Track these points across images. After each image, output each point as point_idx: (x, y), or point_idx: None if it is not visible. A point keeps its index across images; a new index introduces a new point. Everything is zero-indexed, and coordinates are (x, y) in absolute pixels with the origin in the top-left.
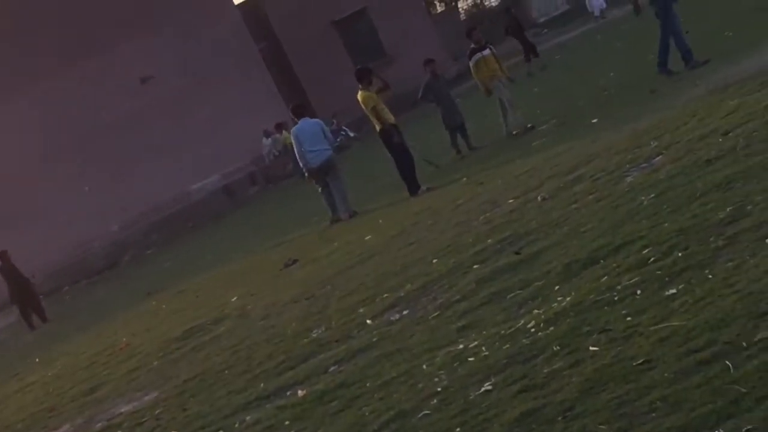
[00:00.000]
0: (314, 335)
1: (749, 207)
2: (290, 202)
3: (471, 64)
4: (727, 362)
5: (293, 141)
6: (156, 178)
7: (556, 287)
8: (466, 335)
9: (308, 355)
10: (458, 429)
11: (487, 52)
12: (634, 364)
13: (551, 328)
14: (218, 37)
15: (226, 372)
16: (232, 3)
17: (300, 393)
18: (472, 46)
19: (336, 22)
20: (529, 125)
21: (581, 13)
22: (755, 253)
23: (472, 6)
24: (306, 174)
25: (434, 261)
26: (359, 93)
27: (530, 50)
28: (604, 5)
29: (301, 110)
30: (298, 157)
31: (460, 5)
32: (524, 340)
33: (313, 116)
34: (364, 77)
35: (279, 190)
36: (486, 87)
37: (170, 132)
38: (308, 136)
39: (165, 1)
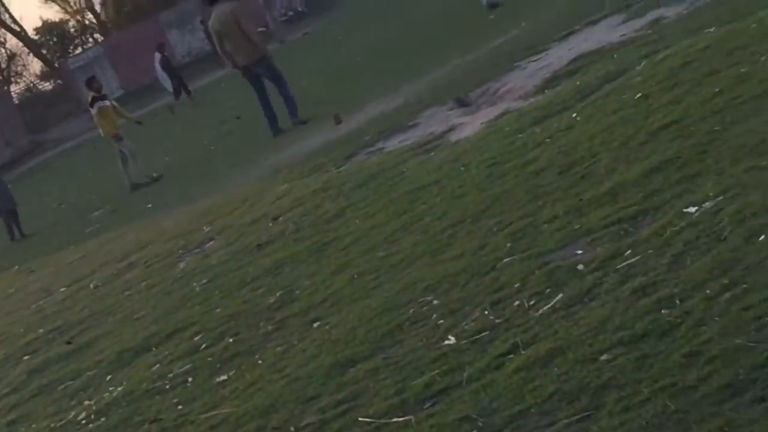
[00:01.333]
0: None
1: (297, 291)
2: None
3: (94, 112)
4: None
5: None
6: None
7: (108, 377)
8: (16, 430)
9: None
10: None
11: (107, 102)
12: None
13: (103, 419)
14: None
15: None
16: None
17: None
18: (93, 94)
19: None
20: (155, 175)
21: (135, 99)
22: (303, 337)
23: (26, 90)
24: None
25: None
26: None
27: (181, 88)
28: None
29: None
30: None
31: (12, 89)
32: None
33: None
34: None
35: None
36: (112, 134)
37: None
38: None
39: None
